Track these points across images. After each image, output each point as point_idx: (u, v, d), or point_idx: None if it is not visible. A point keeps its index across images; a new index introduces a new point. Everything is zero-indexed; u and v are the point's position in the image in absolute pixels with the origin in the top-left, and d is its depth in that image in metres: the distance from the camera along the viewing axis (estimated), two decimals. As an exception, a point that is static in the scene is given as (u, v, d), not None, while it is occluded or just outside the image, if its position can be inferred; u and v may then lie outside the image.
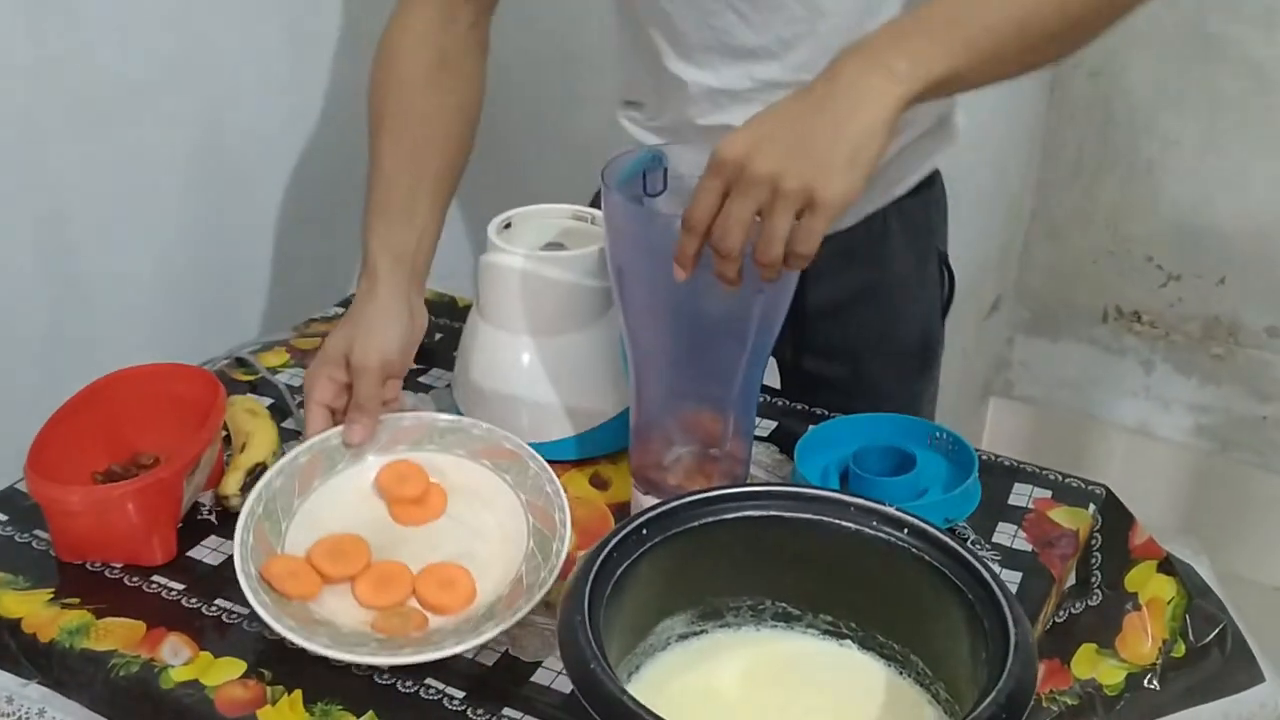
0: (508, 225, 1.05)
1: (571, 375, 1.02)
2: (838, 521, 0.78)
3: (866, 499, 0.78)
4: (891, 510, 0.77)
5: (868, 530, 0.77)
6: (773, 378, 1.28)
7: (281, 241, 1.40)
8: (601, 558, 0.73)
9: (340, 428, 0.94)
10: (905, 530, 0.76)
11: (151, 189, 1.22)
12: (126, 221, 1.21)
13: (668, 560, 0.76)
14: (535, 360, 1.01)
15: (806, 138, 0.74)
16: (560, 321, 1.01)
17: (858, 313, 1.17)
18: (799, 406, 1.12)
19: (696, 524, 0.77)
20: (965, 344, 2.08)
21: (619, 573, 0.73)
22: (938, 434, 1.01)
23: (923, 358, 1.22)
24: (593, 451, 1.03)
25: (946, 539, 0.75)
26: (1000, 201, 2.02)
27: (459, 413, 1.05)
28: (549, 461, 1.02)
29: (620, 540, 0.74)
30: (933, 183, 1.19)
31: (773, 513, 0.78)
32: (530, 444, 1.02)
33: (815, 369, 1.20)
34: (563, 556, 0.85)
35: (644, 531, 0.75)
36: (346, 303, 1.31)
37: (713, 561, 0.78)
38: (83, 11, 1.11)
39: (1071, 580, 0.98)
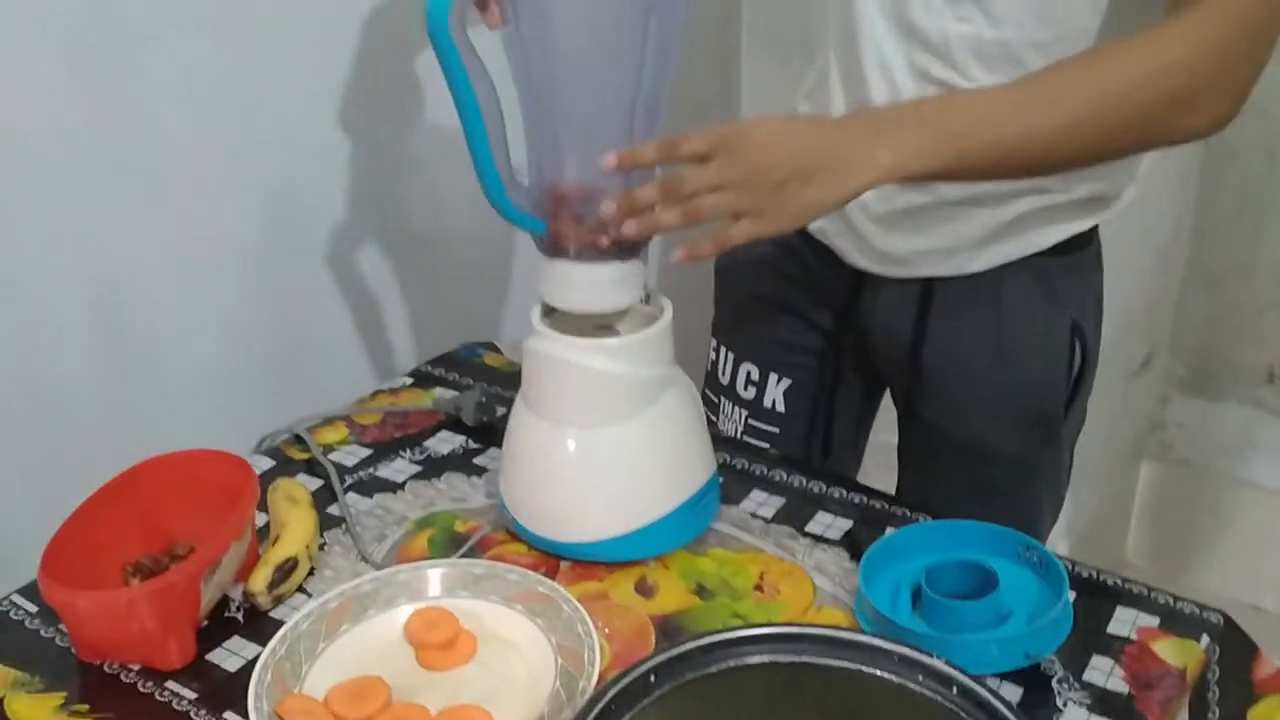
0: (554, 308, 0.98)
1: (618, 470, 0.94)
2: (878, 673, 0.68)
3: (911, 648, 0.68)
4: (939, 664, 0.67)
5: (912, 686, 0.68)
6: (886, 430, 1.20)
7: (350, 312, 1.36)
8: (597, 711, 0.65)
9: (370, 575, 0.90)
10: (954, 689, 0.66)
11: (214, 259, 1.20)
12: (188, 293, 1.19)
13: (681, 711, 0.68)
14: (580, 453, 0.94)
15: (791, 178, 0.83)
16: (607, 413, 0.94)
17: (972, 367, 1.11)
18: (876, 505, 1.01)
19: (714, 669, 0.69)
20: (1111, 404, 1.91)
21: (620, 727, 0.65)
22: (1025, 548, 0.90)
23: (1042, 428, 1.13)
24: (640, 553, 0.95)
25: (998, 704, 0.64)
26: (1149, 249, 1.85)
27: (503, 500, 0.98)
28: (593, 562, 0.95)
29: (622, 690, 0.66)
30: (1082, 246, 1.10)
31: (804, 659, 0.69)
32: (574, 544, 0.95)
33: (931, 418, 1.15)
34: (587, 695, 0.78)
35: (651, 679, 0.68)
36: (416, 373, 1.27)
37: (734, 713, 0.70)
38: (143, 74, 1.10)
39: (1184, 718, 0.85)
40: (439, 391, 1.22)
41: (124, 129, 1.10)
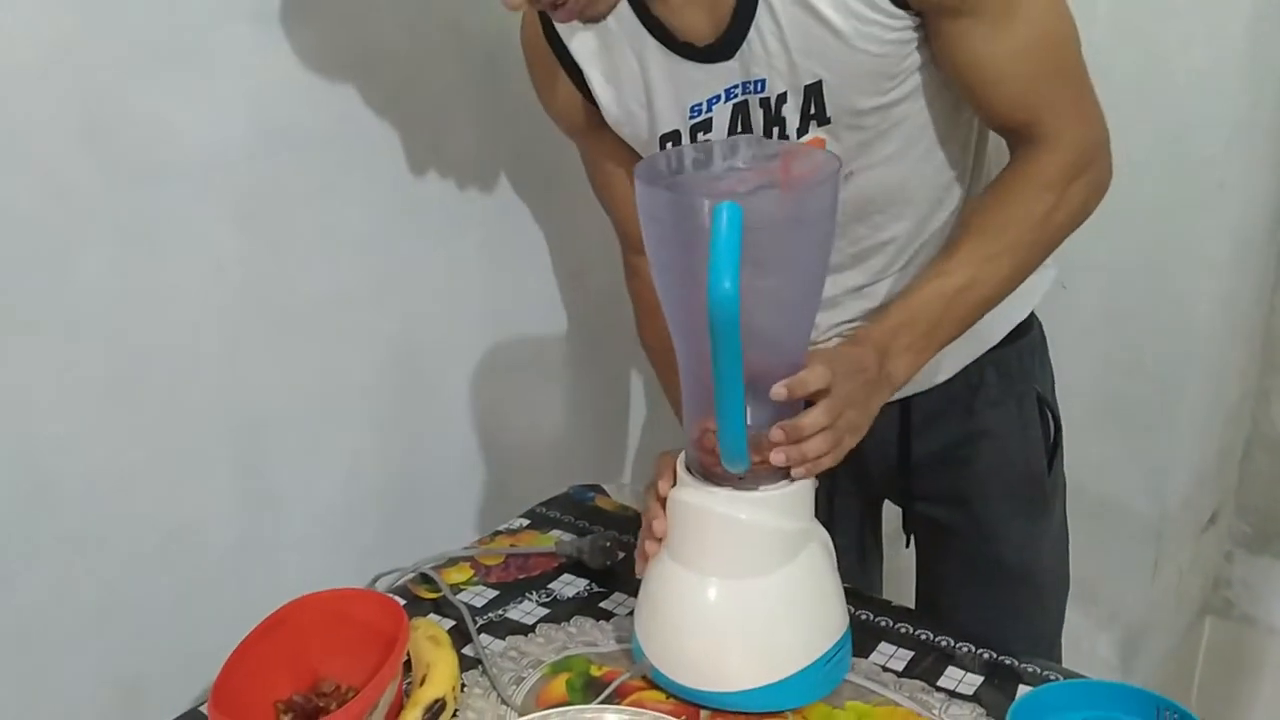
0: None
1: (760, 621, 0.97)
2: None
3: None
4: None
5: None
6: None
7: (468, 452, 1.41)
8: None
9: None
10: None
11: (344, 402, 1.25)
12: (319, 434, 1.23)
13: None
14: (721, 603, 0.97)
15: (868, 397, 0.95)
16: (750, 564, 0.96)
17: (961, 459, 1.20)
18: (1005, 661, 1.03)
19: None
20: (1179, 560, 1.93)
21: None
22: (1165, 709, 0.91)
23: (1032, 498, 1.22)
24: (779, 705, 0.97)
25: None
26: (1217, 410, 1.90)
27: (639, 647, 1.00)
28: (733, 713, 0.97)
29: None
30: (1027, 329, 1.20)
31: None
32: (713, 693, 0.97)
33: (928, 513, 1.24)
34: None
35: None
36: (531, 514, 1.31)
37: None
38: (293, 233, 1.16)
39: None
40: (558, 534, 1.25)
41: (271, 282, 1.15)
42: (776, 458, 0.91)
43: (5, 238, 0.94)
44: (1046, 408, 1.21)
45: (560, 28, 1.04)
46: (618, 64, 1.04)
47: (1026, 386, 1.20)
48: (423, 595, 1.15)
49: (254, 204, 1.12)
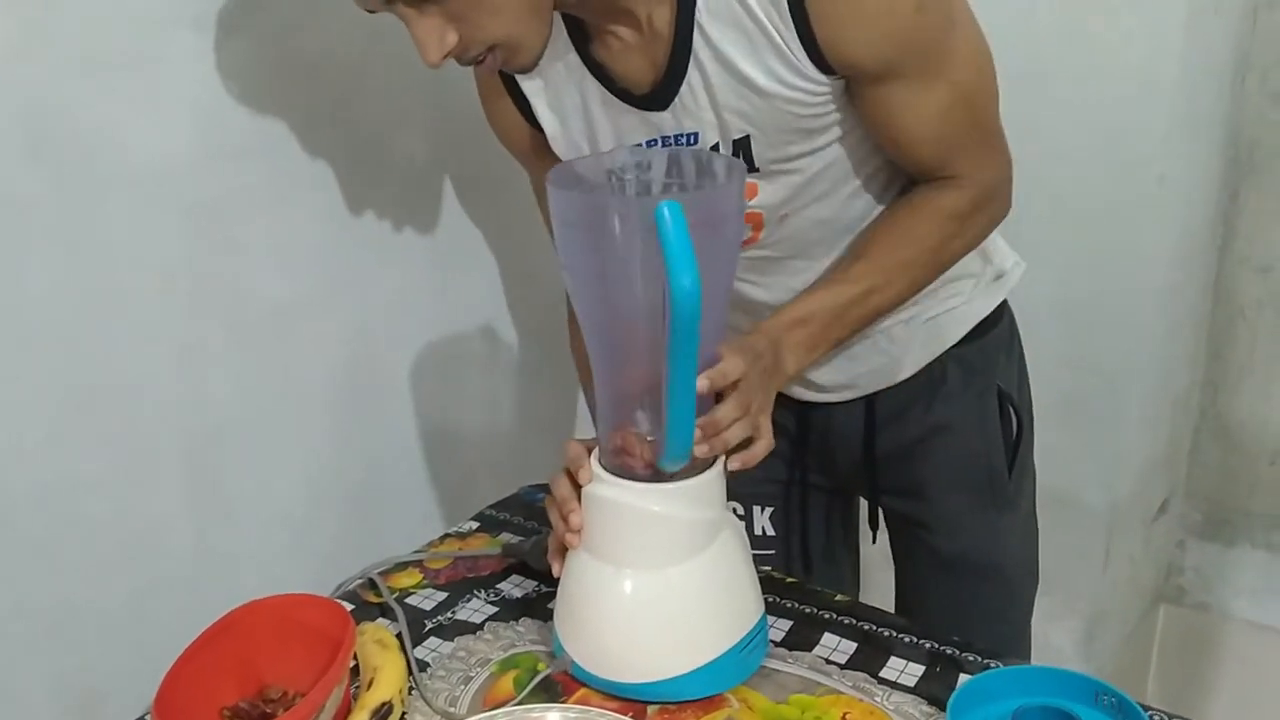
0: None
1: (678, 610, 0.97)
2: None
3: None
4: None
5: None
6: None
7: (425, 455, 1.41)
8: None
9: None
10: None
11: (299, 408, 1.25)
12: (274, 440, 1.23)
13: None
14: (639, 594, 0.97)
15: (763, 395, 0.98)
16: (664, 555, 0.97)
17: (922, 452, 1.22)
18: (946, 650, 1.04)
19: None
20: (1132, 549, 1.96)
21: None
22: (1103, 693, 0.93)
23: (994, 492, 1.23)
24: (698, 692, 0.98)
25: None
26: (1165, 401, 1.93)
27: (559, 643, 1.01)
28: (680, 708, 0.98)
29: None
30: (993, 324, 1.22)
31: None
32: (631, 684, 0.98)
33: (893, 506, 1.27)
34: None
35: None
36: (481, 517, 1.31)
37: None
38: (241, 240, 1.16)
39: None
40: (506, 536, 1.26)
41: (221, 290, 1.15)
42: (701, 450, 0.93)
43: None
44: (1009, 403, 1.22)
45: None
46: (563, 100, 1.06)
47: (988, 382, 1.21)
48: (370, 600, 1.15)
49: (202, 212, 1.12)
